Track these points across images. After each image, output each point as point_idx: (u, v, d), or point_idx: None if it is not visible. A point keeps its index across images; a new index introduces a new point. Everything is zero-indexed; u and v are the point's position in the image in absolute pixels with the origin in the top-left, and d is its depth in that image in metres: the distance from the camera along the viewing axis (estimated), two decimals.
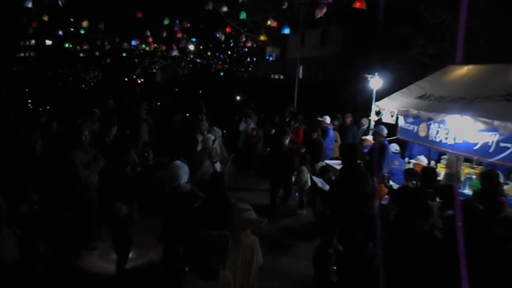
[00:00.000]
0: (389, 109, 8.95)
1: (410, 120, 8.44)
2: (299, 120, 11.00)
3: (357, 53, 15.88)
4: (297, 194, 8.12)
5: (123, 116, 11.47)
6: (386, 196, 5.59)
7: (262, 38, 10.80)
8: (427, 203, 3.17)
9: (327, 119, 9.72)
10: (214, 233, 3.18)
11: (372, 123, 9.47)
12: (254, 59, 26.82)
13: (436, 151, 8.43)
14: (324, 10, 7.18)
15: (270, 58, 12.64)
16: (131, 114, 11.73)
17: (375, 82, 8.89)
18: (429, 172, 5.15)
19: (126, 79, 33.23)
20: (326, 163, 8.57)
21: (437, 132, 7.50)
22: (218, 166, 6.70)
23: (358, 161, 4.67)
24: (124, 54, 22.87)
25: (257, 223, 3.81)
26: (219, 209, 3.76)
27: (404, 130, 8.48)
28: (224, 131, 13.18)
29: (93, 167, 5.54)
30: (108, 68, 32.77)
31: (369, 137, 8.95)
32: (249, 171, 10.89)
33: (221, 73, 28.43)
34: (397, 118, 8.83)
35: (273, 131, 11.20)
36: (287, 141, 8.02)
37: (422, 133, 8.03)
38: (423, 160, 7.05)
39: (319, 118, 9.65)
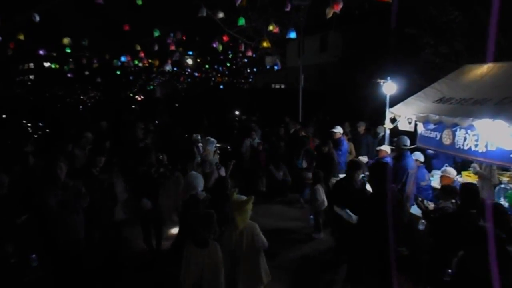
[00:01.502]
0: (406, 115, 8.21)
1: (431, 126, 7.70)
2: (310, 132, 10.29)
3: (361, 58, 15.23)
4: (311, 216, 7.35)
5: (118, 138, 10.82)
6: (422, 221, 4.82)
7: (265, 44, 10.03)
8: (504, 247, 2.43)
9: (340, 130, 8.97)
10: (202, 212, 4.04)
11: (387, 132, 8.75)
12: (255, 69, 26.18)
13: (450, 160, 7.67)
14: (341, 5, 6.42)
15: (276, 67, 11.88)
16: (127, 135, 11.07)
17: (388, 87, 8.17)
18: (471, 189, 4.38)
19: (123, 98, 32.68)
20: None
21: (465, 139, 6.75)
22: (222, 171, 7.08)
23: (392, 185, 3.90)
24: (118, 72, 22.19)
25: (246, 203, 4.24)
26: (222, 206, 4.60)
27: (425, 138, 7.74)
28: (228, 147, 12.51)
29: (72, 206, 4.78)
30: (105, 87, 32.23)
31: (385, 148, 8.21)
32: (257, 191, 10.02)
33: (221, 86, 27.79)
34: (415, 125, 8.13)
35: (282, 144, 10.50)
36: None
37: (446, 141, 7.28)
38: (451, 172, 6.26)
39: (333, 130, 8.90)
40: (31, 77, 49.04)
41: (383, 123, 10.61)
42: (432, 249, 4.57)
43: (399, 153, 6.32)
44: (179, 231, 5.51)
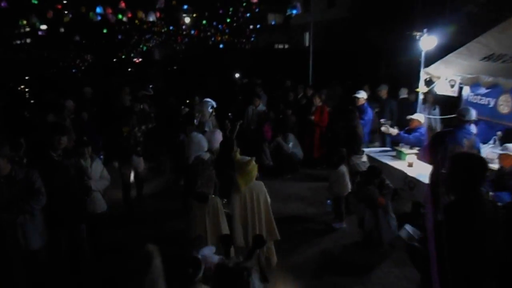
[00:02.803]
0: (447, 76, 6.78)
1: (483, 91, 6.27)
2: (323, 97, 8.85)
3: (377, 12, 13.47)
4: (328, 201, 6.09)
5: (105, 106, 9.55)
6: None
7: None
8: None
9: (364, 95, 7.51)
10: (201, 168, 4.40)
11: (421, 97, 7.33)
12: (258, 26, 23.93)
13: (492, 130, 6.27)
14: None
15: (294, 12, 9.98)
16: (113, 103, 9.80)
17: (427, 41, 6.65)
18: None
19: (117, 60, 30.66)
20: (367, 156, 6.50)
21: None
22: (218, 134, 6.41)
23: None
24: (104, 30, 20.05)
25: (247, 164, 4.19)
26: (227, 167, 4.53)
27: (473, 105, 6.32)
28: (230, 114, 11.19)
29: (21, 207, 3.52)
30: (95, 48, 30.07)
31: (418, 116, 6.82)
32: (262, 166, 8.63)
33: (221, 45, 25.68)
34: (460, 88, 6.71)
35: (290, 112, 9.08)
36: None
37: (503, 109, 5.85)
38: None
39: (355, 95, 7.45)
40: (28, 40, 47.12)
41: (410, 86, 9.19)
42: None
43: (456, 125, 4.95)
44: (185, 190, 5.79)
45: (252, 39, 25.01)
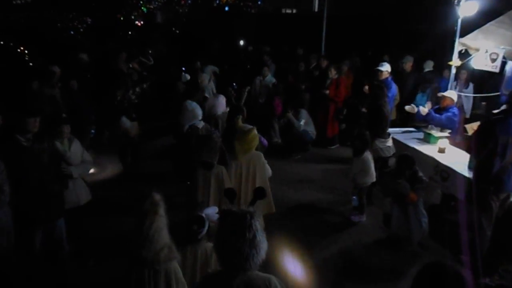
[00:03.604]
0: (487, 48, 5.89)
1: None
2: (345, 69, 7.96)
3: None
4: (354, 197, 5.35)
5: (100, 72, 8.79)
6: None
7: None
8: None
9: (388, 68, 6.61)
10: (206, 136, 4.22)
11: (453, 72, 6.45)
12: None
13: None
14: None
15: None
16: (111, 68, 9.04)
17: (467, 7, 5.70)
18: None
19: (116, 21, 29.22)
20: (393, 139, 5.71)
21: None
22: (222, 99, 6.64)
23: None
24: None
25: (248, 132, 4.15)
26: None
27: None
28: (234, 84, 10.39)
29: None
30: (94, 9, 28.54)
31: (450, 94, 5.99)
32: (271, 144, 7.81)
33: (226, 8, 24.28)
34: (503, 63, 5.83)
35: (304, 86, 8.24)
36: None
37: None
38: None
39: (379, 68, 6.55)
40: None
41: (436, 59, 8.29)
42: None
43: (508, 111, 4.10)
44: (178, 156, 5.81)
45: (259, 2, 23.62)
